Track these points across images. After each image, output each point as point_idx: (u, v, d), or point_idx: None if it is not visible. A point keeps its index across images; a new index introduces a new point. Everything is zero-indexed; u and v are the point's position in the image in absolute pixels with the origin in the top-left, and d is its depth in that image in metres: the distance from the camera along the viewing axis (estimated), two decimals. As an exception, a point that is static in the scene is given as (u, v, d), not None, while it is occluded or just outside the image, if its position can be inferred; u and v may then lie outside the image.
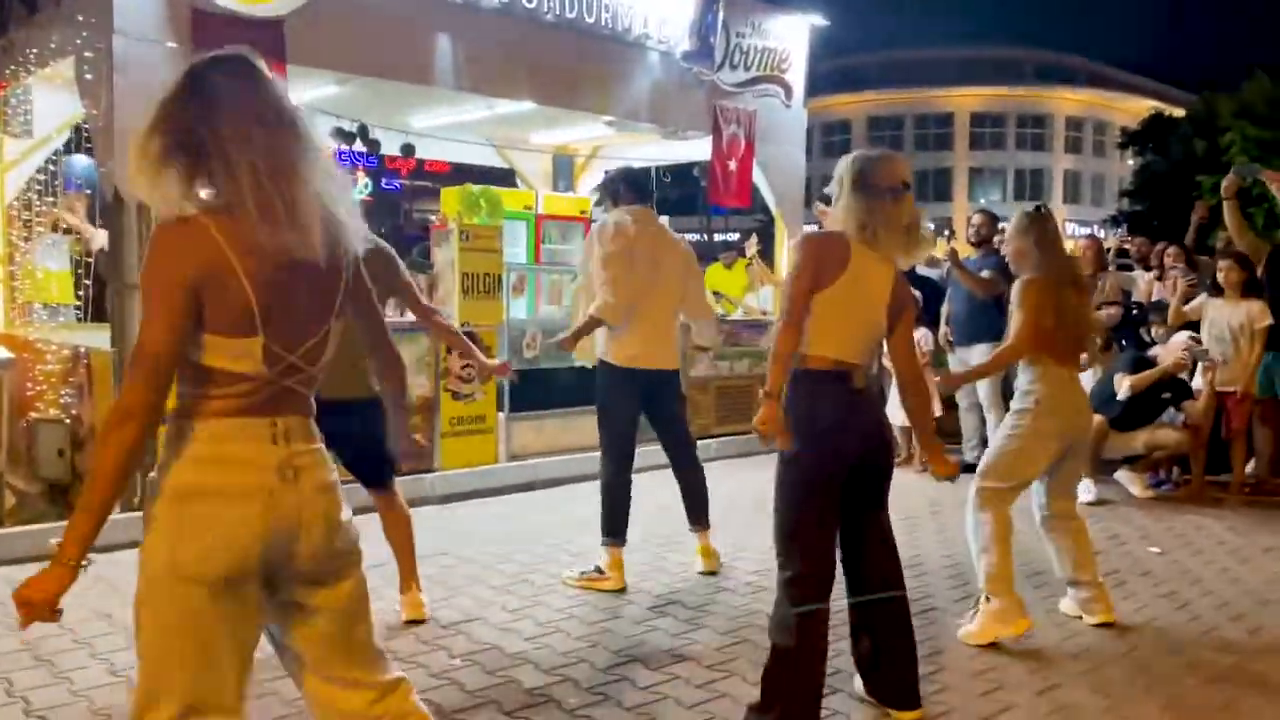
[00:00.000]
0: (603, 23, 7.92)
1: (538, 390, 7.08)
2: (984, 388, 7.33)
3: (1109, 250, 10.11)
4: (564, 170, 10.83)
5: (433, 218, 10.97)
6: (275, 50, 5.81)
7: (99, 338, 5.97)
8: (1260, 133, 27.04)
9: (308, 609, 2.00)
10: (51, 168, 7.53)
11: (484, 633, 4.03)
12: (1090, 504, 6.28)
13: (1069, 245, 5.51)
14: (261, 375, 1.90)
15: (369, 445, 3.69)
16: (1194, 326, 7.04)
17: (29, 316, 7.16)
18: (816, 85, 11.67)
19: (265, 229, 1.84)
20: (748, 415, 9.12)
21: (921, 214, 3.28)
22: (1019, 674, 3.68)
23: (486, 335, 6.81)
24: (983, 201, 44.25)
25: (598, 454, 4.94)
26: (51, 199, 7.48)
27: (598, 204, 8.98)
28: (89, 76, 5.83)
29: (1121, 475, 6.98)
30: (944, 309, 7.63)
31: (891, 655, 3.28)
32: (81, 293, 7.14)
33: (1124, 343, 7.74)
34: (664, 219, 8.67)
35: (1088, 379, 6.73)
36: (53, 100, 7.09)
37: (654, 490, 5.48)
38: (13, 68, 6.78)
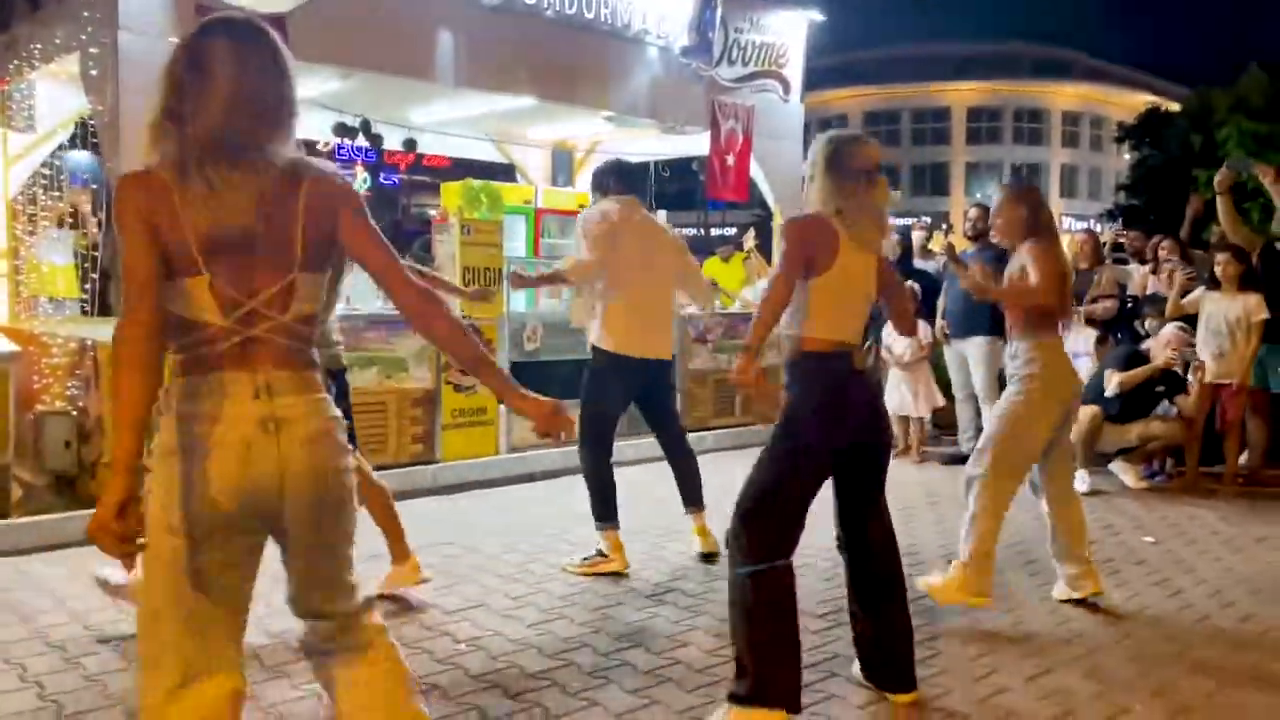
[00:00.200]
0: (602, 19, 7.96)
1: (537, 383, 6.97)
2: (980, 379, 7.40)
3: (1105, 244, 10.15)
4: (563, 165, 10.86)
5: (431, 212, 11.03)
6: (279, 45, 5.85)
7: (104, 331, 6.00)
8: (1256, 127, 27.07)
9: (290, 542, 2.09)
10: (56, 162, 7.56)
11: (487, 619, 4.09)
12: (1085, 495, 6.34)
13: (1066, 240, 5.59)
14: (221, 323, 1.97)
15: None
16: (1190, 320, 7.10)
17: (34, 310, 7.21)
18: (814, 80, 11.69)
19: (207, 193, 1.95)
20: (745, 408, 9.15)
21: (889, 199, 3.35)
22: (1013, 659, 3.75)
23: (487, 329, 6.86)
24: (979, 196, 44.03)
25: None
26: (56, 194, 7.52)
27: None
28: (94, 72, 5.87)
29: (1116, 466, 7.05)
30: (940, 302, 7.69)
31: (888, 639, 3.35)
32: (88, 286, 7.18)
33: (1119, 336, 7.81)
34: (662, 213, 8.76)
35: (1085, 372, 6.81)
36: (57, 95, 7.14)
37: (650, 484, 5.53)
38: (16, 63, 6.81)
